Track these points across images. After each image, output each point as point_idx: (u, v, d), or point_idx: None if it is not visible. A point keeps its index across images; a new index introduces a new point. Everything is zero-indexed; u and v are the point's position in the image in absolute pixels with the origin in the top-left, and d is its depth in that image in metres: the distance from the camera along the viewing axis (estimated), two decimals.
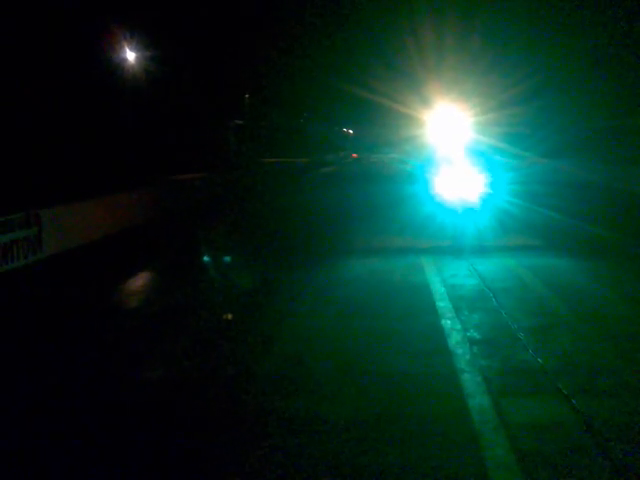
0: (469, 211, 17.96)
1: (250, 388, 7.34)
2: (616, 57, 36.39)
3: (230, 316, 10.69)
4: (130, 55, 31.50)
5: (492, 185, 18.66)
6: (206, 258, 15.89)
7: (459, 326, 9.30)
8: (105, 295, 12.43)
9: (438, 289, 11.66)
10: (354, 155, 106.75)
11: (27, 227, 15.08)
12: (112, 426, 6.57)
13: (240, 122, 55.41)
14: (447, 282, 12.16)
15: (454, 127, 27.75)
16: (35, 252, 15.38)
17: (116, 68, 31.07)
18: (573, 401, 6.61)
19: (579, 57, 38.19)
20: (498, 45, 40.18)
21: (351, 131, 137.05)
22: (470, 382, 7.22)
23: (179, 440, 6.23)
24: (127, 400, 7.23)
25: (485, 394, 6.88)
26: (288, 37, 52.45)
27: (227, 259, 15.69)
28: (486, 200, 18.43)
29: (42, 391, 7.60)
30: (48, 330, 10.25)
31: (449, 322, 9.52)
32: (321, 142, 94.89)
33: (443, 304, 10.59)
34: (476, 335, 8.88)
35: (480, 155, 19.85)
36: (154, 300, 11.96)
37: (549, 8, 39.22)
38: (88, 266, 15.54)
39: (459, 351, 8.22)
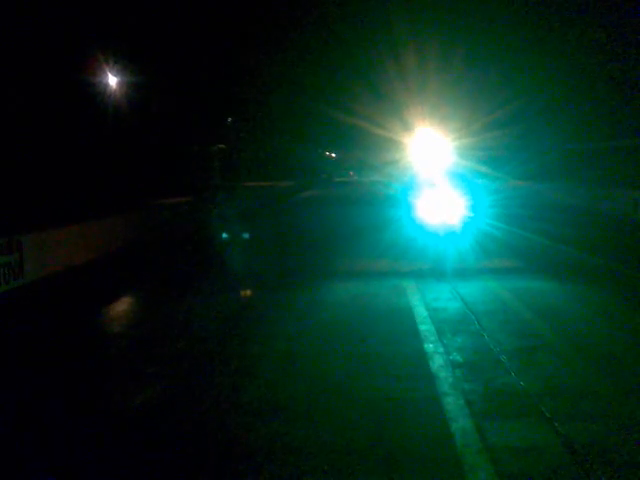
0: (451, 234, 18.01)
1: (233, 413, 7.31)
2: (596, 81, 36.79)
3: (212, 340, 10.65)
4: (112, 80, 31.54)
5: (473, 208, 18.73)
6: (188, 282, 15.84)
7: (442, 349, 9.31)
8: (86, 320, 12.37)
9: (421, 312, 11.67)
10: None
11: (9, 253, 15.00)
12: (92, 451, 6.53)
13: (223, 146, 55.45)
14: (430, 305, 12.18)
15: (436, 151, 27.92)
16: (17, 278, 15.29)
17: (98, 92, 31.08)
18: (555, 424, 6.63)
19: (559, 81, 38.58)
20: (479, 70, 40.56)
21: (334, 154, 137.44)
22: (453, 405, 7.22)
23: (159, 464, 6.19)
24: (105, 425, 7.18)
25: (468, 417, 6.89)
26: (270, 61, 52.68)
27: (209, 283, 15.63)
28: (468, 223, 18.50)
29: (20, 418, 7.54)
30: (29, 355, 10.18)
31: (432, 345, 9.53)
32: (304, 166, 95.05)
33: (426, 327, 10.60)
34: (459, 358, 8.89)
35: (461, 178, 19.94)
36: (136, 325, 11.89)
37: (530, 33, 39.66)
38: (69, 291, 15.46)
39: (442, 374, 8.23)
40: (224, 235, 19.84)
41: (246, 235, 19.89)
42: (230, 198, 27.39)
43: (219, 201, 25.70)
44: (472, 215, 18.79)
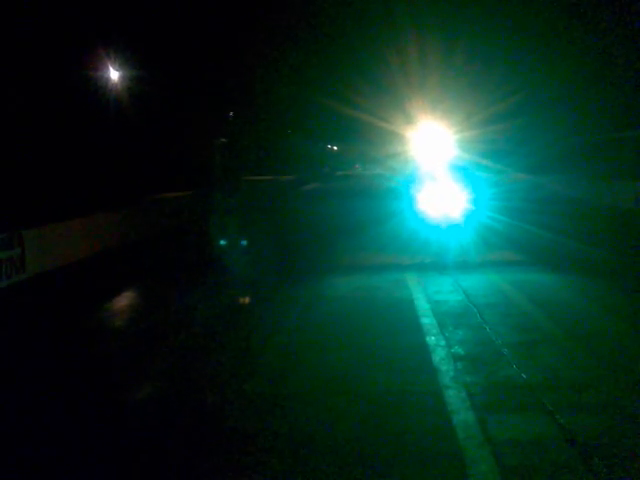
0: (453, 227, 18.02)
1: (235, 406, 7.32)
2: (599, 73, 36.71)
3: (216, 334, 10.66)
4: (114, 74, 31.48)
5: (475, 201, 18.73)
6: (190, 277, 15.84)
7: (443, 342, 9.31)
8: (87, 315, 12.38)
9: (423, 305, 11.68)
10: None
11: (10, 248, 15.01)
12: (93, 446, 6.54)
13: (225, 140, 55.33)
14: (431, 298, 12.18)
15: (437, 144, 27.90)
16: (18, 272, 15.30)
17: (99, 87, 31.01)
18: (557, 417, 6.63)
19: (562, 74, 38.47)
20: (481, 63, 40.44)
21: (335, 148, 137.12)
22: (454, 398, 7.23)
23: (162, 461, 6.20)
24: (109, 420, 7.19)
25: (469, 410, 6.90)
26: (272, 54, 52.56)
27: (212, 277, 15.64)
28: (469, 216, 18.50)
29: (22, 411, 7.56)
30: (31, 349, 10.20)
31: (433, 338, 9.54)
32: (305, 159, 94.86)
33: (428, 320, 10.61)
34: (460, 351, 8.89)
35: (463, 171, 19.93)
36: (138, 319, 11.90)
37: (532, 26, 39.55)
38: (71, 286, 15.48)
39: (443, 367, 8.24)
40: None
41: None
42: (231, 193, 27.31)
43: (219, 197, 25.65)
44: (474, 208, 18.79)
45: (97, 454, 6.41)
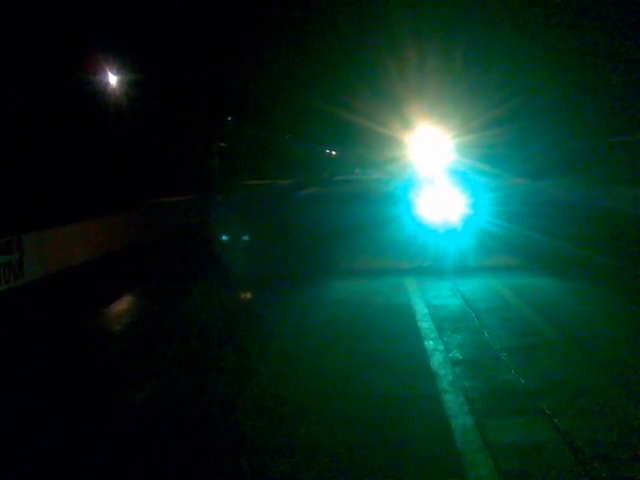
0: (451, 232, 18.00)
1: (233, 413, 7.32)
2: (597, 78, 36.76)
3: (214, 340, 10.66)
4: (112, 79, 31.49)
5: (474, 206, 18.71)
6: (189, 282, 15.84)
7: (442, 347, 9.31)
8: (86, 320, 12.38)
9: (421, 310, 11.68)
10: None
11: (9, 252, 15.00)
12: (93, 449, 6.54)
13: (223, 144, 55.35)
14: (430, 303, 12.18)
15: (436, 148, 27.91)
16: (17, 277, 15.30)
17: (99, 90, 31.02)
18: (556, 421, 6.64)
19: (559, 78, 38.54)
20: (479, 67, 40.49)
21: (334, 152, 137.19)
22: (453, 403, 7.23)
23: (161, 463, 6.20)
24: (108, 423, 7.19)
25: (468, 415, 6.90)
26: (270, 58, 52.66)
27: (210, 282, 15.63)
28: (468, 221, 18.48)
29: (22, 415, 7.56)
30: (28, 355, 10.20)
31: (432, 343, 9.54)
32: (304, 164, 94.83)
33: (426, 325, 10.61)
34: (459, 356, 8.90)
35: (461, 176, 19.91)
36: (136, 325, 11.91)
37: (530, 31, 39.64)
38: (70, 291, 15.47)
39: (442, 372, 8.24)
40: (223, 237, 19.83)
41: (246, 237, 19.86)
42: (230, 198, 27.36)
43: (218, 202, 25.69)
44: (472, 212, 18.77)
45: (97, 456, 6.42)
